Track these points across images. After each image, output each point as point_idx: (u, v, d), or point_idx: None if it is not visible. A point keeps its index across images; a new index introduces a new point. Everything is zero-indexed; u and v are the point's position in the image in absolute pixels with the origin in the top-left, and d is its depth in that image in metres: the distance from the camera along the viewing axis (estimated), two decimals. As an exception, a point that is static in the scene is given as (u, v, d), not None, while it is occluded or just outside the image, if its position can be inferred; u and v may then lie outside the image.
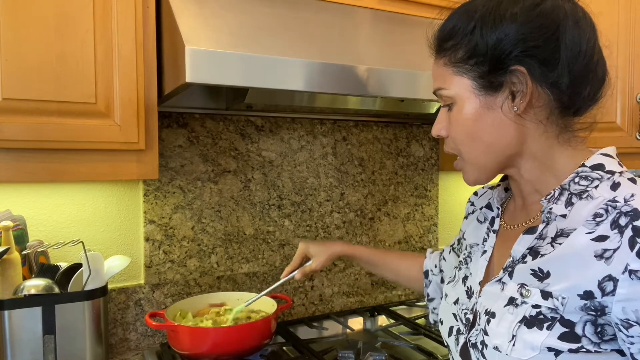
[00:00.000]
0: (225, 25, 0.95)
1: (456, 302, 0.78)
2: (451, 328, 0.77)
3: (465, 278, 0.79)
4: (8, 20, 0.87)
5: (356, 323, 1.50)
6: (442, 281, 1.04)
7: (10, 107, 0.88)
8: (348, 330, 1.45)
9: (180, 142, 1.34)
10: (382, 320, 1.53)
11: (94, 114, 0.95)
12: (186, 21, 0.91)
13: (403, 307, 1.62)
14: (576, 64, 0.64)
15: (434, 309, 1.06)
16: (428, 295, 1.06)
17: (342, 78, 0.98)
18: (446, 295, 0.83)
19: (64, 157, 0.94)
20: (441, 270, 1.04)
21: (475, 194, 0.92)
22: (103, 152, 0.97)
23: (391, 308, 1.58)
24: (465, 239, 0.86)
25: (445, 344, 0.80)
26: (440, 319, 0.82)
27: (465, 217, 0.91)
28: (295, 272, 1.11)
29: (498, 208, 0.79)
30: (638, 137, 1.32)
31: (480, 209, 0.85)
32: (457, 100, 0.69)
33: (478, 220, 0.84)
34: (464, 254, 0.84)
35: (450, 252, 1.01)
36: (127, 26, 0.97)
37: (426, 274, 1.06)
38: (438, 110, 1.47)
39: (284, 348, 1.28)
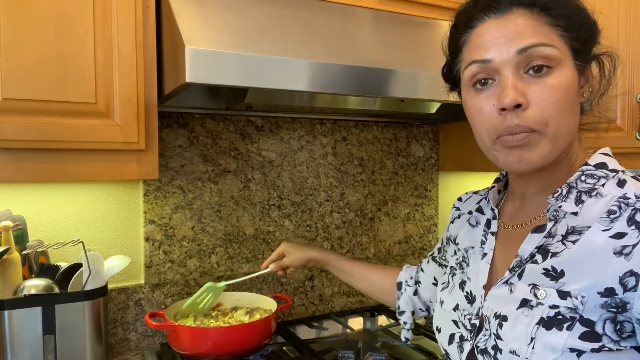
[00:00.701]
0: (225, 25, 0.95)
1: (456, 308, 0.76)
2: (452, 335, 0.75)
3: (462, 283, 0.77)
4: (8, 20, 0.87)
5: (356, 323, 1.51)
6: (415, 293, 1.04)
7: (10, 107, 0.88)
8: (348, 330, 1.45)
9: (180, 142, 1.34)
10: (382, 320, 1.53)
11: (94, 114, 0.95)
12: (186, 21, 0.91)
13: (403, 307, 1.62)
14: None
15: (405, 323, 1.05)
16: (399, 308, 1.06)
17: (342, 78, 0.98)
18: (442, 302, 0.80)
19: (64, 157, 0.94)
20: (417, 282, 1.03)
21: (460, 199, 0.91)
22: (103, 152, 0.97)
23: (391, 308, 1.58)
24: (457, 243, 0.84)
25: (444, 352, 0.77)
26: (437, 326, 0.80)
27: (452, 222, 0.90)
28: (272, 265, 1.18)
29: (493, 210, 0.77)
30: (638, 137, 1.32)
31: (470, 212, 0.84)
32: (559, 64, 0.62)
33: (470, 224, 0.83)
34: (457, 259, 0.82)
35: (429, 262, 1.00)
36: (127, 26, 0.97)
37: (399, 285, 1.06)
38: (438, 109, 1.48)
39: (284, 348, 1.28)
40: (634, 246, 0.56)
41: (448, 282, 0.82)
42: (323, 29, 1.09)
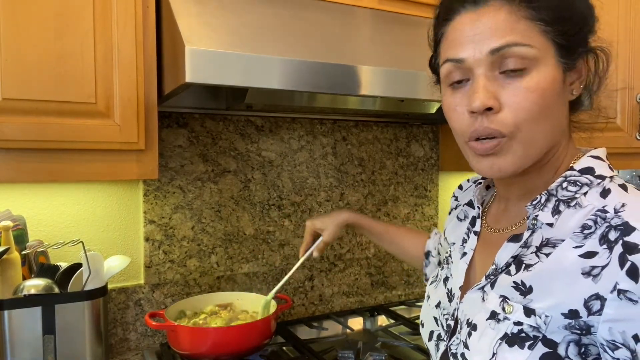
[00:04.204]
0: (225, 25, 0.95)
1: (438, 305, 0.75)
2: (431, 333, 0.74)
3: (446, 279, 0.76)
4: (8, 20, 0.87)
5: (356, 323, 1.51)
6: (440, 263, 1.04)
7: (10, 107, 0.88)
8: (348, 330, 1.45)
9: (180, 142, 1.34)
10: (382, 320, 1.53)
11: (93, 114, 0.95)
12: (186, 21, 0.91)
13: (403, 307, 1.62)
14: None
15: None
16: (425, 275, 1.07)
17: (342, 78, 0.98)
18: (428, 297, 0.79)
19: (64, 157, 0.94)
20: (439, 253, 1.03)
21: (460, 187, 0.88)
22: (103, 152, 0.97)
23: (391, 308, 1.58)
24: (446, 237, 0.83)
25: (426, 347, 0.77)
26: (422, 321, 0.79)
27: (449, 213, 0.88)
28: (310, 250, 1.14)
29: (479, 207, 0.74)
30: (638, 137, 1.32)
31: (463, 205, 0.81)
32: (537, 64, 0.57)
33: (458, 218, 0.80)
34: (446, 253, 0.81)
35: (444, 239, 1.00)
36: (127, 26, 0.97)
37: (427, 254, 1.06)
38: (438, 109, 1.48)
39: (284, 348, 1.28)
40: (603, 267, 0.53)
41: (436, 276, 0.80)
42: (323, 29, 1.09)
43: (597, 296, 0.53)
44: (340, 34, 1.10)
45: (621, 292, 0.51)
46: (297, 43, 1.00)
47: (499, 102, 0.57)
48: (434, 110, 1.46)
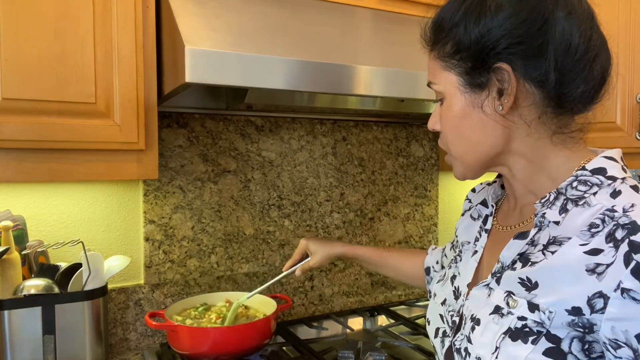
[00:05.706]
0: (225, 25, 0.95)
1: (444, 302, 0.76)
2: (437, 329, 0.75)
3: (453, 277, 0.77)
4: (8, 20, 0.87)
5: (356, 323, 1.51)
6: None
7: (10, 107, 0.88)
8: (348, 330, 1.45)
9: (180, 142, 1.34)
10: (382, 320, 1.53)
11: (93, 114, 0.95)
12: (186, 21, 0.91)
13: (403, 307, 1.62)
14: (565, 59, 0.59)
15: None
16: (430, 292, 1.05)
17: (341, 78, 0.98)
18: (434, 295, 0.80)
19: (63, 157, 0.94)
20: (442, 267, 1.03)
21: (473, 190, 0.89)
22: (103, 152, 0.97)
23: (391, 308, 1.58)
24: (457, 236, 0.84)
25: (432, 344, 0.78)
26: (428, 318, 0.80)
27: (462, 214, 0.89)
28: (295, 267, 1.15)
29: (492, 206, 0.76)
30: (638, 137, 1.32)
31: (476, 205, 0.82)
32: (445, 96, 0.66)
33: (472, 217, 0.81)
34: (455, 252, 0.82)
35: (450, 248, 0.99)
36: (127, 26, 0.97)
37: (427, 270, 1.06)
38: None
39: (284, 348, 1.28)
40: (608, 266, 0.53)
41: (444, 275, 0.82)
42: (323, 29, 1.09)
43: (601, 294, 0.53)
44: (340, 33, 1.10)
45: (625, 291, 0.51)
46: (297, 43, 1.00)
47: (440, 125, 0.70)
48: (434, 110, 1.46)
